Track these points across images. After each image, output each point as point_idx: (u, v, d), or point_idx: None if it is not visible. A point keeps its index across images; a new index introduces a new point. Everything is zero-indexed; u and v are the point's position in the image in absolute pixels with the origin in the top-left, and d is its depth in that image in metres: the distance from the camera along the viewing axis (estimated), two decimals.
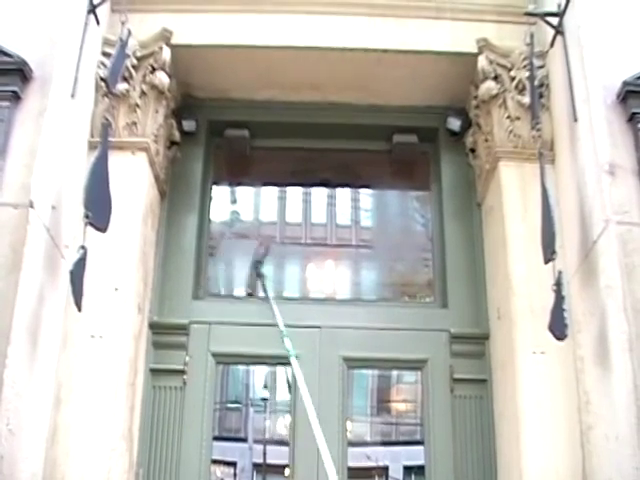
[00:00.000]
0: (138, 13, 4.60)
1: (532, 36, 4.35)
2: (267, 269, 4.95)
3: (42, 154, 3.78)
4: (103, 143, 3.92)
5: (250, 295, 4.95)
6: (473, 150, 5.00)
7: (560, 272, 3.69)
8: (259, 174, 5.41)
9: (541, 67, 4.54)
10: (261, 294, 4.91)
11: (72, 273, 3.55)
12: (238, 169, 5.36)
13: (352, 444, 4.25)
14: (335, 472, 3.96)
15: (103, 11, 4.52)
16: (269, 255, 5.02)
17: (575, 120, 4.16)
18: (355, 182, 5.43)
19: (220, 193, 5.38)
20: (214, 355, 4.71)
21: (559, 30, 4.38)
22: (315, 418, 4.20)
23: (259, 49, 4.76)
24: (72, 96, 4.15)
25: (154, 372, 4.64)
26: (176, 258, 4.89)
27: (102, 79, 4.41)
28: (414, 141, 5.23)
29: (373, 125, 5.23)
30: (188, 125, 5.10)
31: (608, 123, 3.92)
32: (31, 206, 3.63)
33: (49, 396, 3.93)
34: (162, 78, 4.65)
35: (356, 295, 5.31)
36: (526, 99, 4.47)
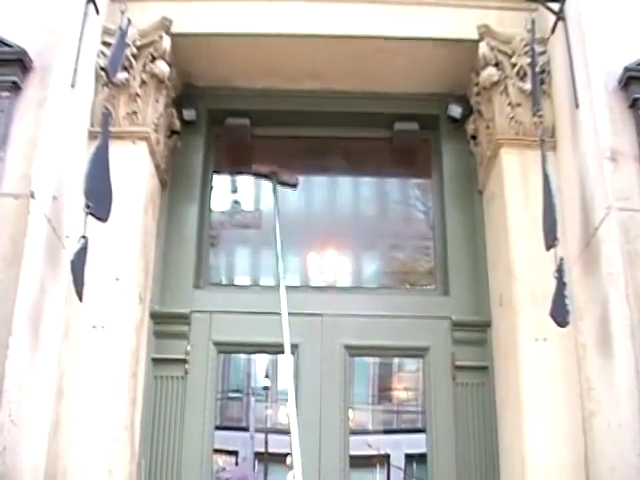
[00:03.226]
0: (138, 2, 4.58)
1: (533, 22, 4.33)
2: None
3: (42, 144, 3.77)
4: (103, 133, 3.90)
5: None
6: (474, 137, 4.99)
7: (562, 259, 3.68)
8: (260, 163, 5.38)
9: (542, 53, 4.53)
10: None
11: (73, 263, 3.54)
12: (239, 158, 5.34)
13: (353, 432, 4.26)
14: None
15: (102, 0, 4.50)
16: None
17: (576, 106, 4.15)
18: (356, 170, 5.42)
19: (221, 182, 5.37)
20: (216, 344, 4.71)
21: (560, 16, 4.37)
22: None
23: (259, 37, 4.74)
24: (72, 86, 4.13)
25: (156, 362, 4.64)
26: (177, 247, 4.89)
27: (102, 68, 4.38)
28: (415, 129, 5.21)
29: (374, 113, 5.22)
30: (188, 114, 5.09)
31: (609, 109, 3.91)
32: (32, 196, 3.62)
33: (51, 387, 3.93)
34: (162, 67, 4.63)
35: (358, 283, 5.30)
36: (527, 86, 4.45)
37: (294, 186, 4.95)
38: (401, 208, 5.52)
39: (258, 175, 5.02)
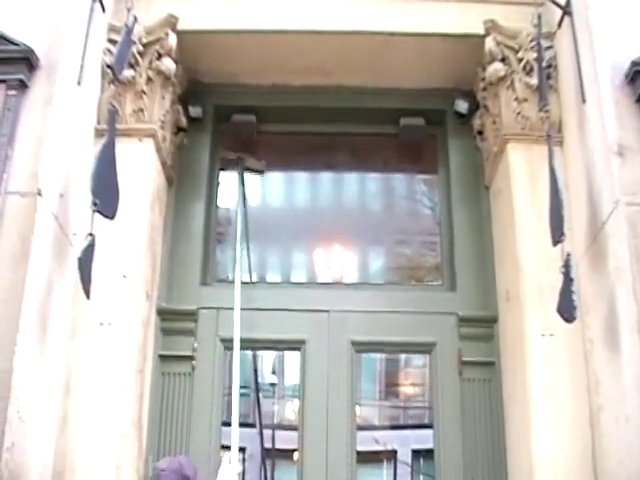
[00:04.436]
0: None
1: (540, 17, 4.32)
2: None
3: (49, 142, 3.78)
4: (110, 130, 3.90)
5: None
6: (481, 132, 4.98)
7: (569, 254, 3.67)
8: (266, 159, 5.38)
9: (549, 48, 4.51)
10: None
11: (80, 260, 3.55)
12: (245, 154, 5.34)
13: (360, 428, 4.25)
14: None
15: None
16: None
17: (583, 101, 4.14)
18: (363, 166, 5.42)
19: (227, 179, 5.37)
20: (222, 341, 4.71)
21: (567, 10, 4.35)
22: None
23: (266, 34, 4.74)
24: (78, 83, 4.14)
25: (163, 358, 4.65)
26: (184, 244, 4.89)
27: (108, 66, 4.39)
28: (421, 124, 5.20)
29: (380, 108, 5.21)
30: (195, 111, 5.09)
31: (616, 104, 3.89)
32: (39, 194, 3.63)
33: (59, 383, 3.94)
34: (168, 64, 4.63)
35: (364, 279, 5.30)
36: (534, 81, 4.44)
37: (261, 172, 4.99)
38: (407, 204, 5.52)
39: (225, 161, 5.05)
